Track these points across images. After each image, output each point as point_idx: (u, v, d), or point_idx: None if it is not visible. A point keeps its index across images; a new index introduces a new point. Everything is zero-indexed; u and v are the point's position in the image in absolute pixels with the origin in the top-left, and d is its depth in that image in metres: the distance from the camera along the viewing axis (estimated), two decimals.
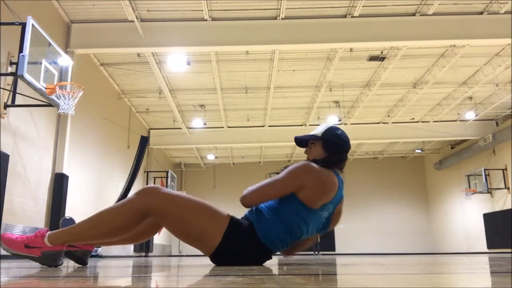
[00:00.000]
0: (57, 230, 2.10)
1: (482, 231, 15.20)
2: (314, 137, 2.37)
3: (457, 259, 4.32)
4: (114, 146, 11.34)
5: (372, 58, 10.09)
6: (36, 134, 7.22)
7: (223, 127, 14.41)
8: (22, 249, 2.04)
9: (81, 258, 2.36)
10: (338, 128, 2.41)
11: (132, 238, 2.37)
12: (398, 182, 19.85)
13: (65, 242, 2.08)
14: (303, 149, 2.47)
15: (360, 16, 8.38)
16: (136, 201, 2.07)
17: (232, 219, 2.19)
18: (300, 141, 2.43)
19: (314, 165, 2.23)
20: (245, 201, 2.21)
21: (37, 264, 2.59)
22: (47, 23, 7.17)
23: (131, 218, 2.06)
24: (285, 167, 2.30)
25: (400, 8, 8.31)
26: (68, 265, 2.53)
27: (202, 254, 2.35)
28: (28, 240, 2.06)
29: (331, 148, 2.32)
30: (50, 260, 2.06)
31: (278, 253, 2.40)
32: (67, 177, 7.94)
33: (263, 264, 2.30)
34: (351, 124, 14.08)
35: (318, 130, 2.39)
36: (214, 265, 2.30)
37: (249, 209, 2.32)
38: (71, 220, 7.84)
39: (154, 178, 14.47)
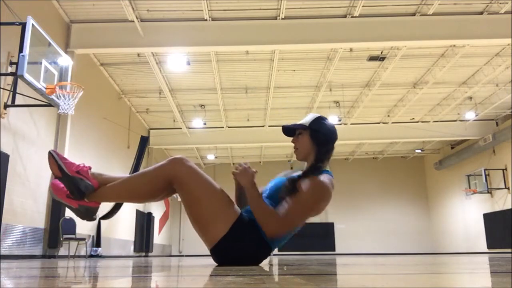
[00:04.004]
0: (100, 188, 2.20)
1: (482, 231, 15.19)
2: (301, 127, 2.36)
3: (457, 259, 4.32)
4: (114, 146, 11.33)
5: (372, 58, 10.09)
6: (36, 134, 7.22)
7: (223, 127, 14.40)
8: (64, 198, 2.20)
9: (86, 214, 2.35)
10: (326, 119, 2.41)
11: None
12: (398, 182, 19.83)
13: (102, 200, 2.22)
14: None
15: (360, 16, 8.37)
16: (165, 167, 2.17)
17: (241, 215, 2.21)
18: (288, 130, 2.43)
19: (330, 184, 2.23)
20: (272, 233, 2.18)
21: (37, 264, 2.58)
22: (47, 23, 7.16)
23: (158, 183, 2.17)
24: (295, 181, 2.21)
25: (400, 8, 8.31)
26: (68, 265, 2.53)
27: (202, 254, 2.34)
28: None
29: (318, 138, 2.32)
30: (85, 213, 2.21)
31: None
32: None
33: (263, 264, 2.30)
34: (351, 124, 14.07)
35: (306, 120, 2.39)
36: (213, 260, 2.30)
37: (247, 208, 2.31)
38: (71, 221, 7.84)
39: None
